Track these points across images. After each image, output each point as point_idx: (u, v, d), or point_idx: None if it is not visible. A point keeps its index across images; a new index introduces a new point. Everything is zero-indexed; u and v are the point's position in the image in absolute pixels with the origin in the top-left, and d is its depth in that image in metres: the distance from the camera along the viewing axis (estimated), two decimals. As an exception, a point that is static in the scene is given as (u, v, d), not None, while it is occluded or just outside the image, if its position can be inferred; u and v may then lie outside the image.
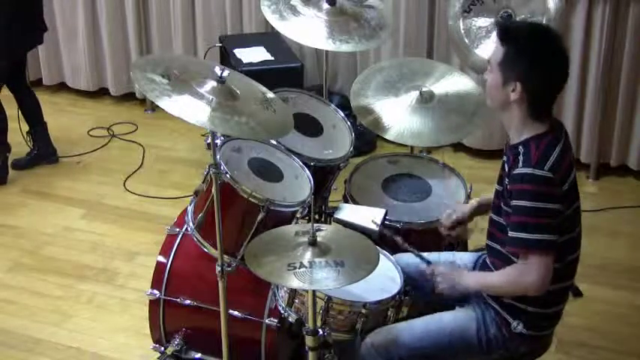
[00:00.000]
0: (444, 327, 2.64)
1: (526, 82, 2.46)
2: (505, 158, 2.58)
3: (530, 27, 2.70)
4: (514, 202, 2.45)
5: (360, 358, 2.65)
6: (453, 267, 2.71)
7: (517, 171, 2.45)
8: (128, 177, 4.85)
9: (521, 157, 2.46)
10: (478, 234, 3.00)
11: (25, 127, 4.87)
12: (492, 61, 2.53)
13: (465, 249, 3.22)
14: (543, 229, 2.41)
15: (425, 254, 2.87)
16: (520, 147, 2.49)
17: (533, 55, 2.46)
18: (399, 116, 3.42)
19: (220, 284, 2.77)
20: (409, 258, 2.88)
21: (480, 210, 2.90)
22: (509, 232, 2.46)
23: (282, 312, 2.73)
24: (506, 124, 2.57)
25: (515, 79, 2.46)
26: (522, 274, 2.45)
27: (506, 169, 2.53)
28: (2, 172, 4.75)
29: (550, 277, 2.43)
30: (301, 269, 2.35)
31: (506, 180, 2.51)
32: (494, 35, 2.57)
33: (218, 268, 2.75)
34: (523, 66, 2.46)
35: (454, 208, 2.95)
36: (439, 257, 2.89)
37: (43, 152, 4.94)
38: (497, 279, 2.56)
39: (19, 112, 4.80)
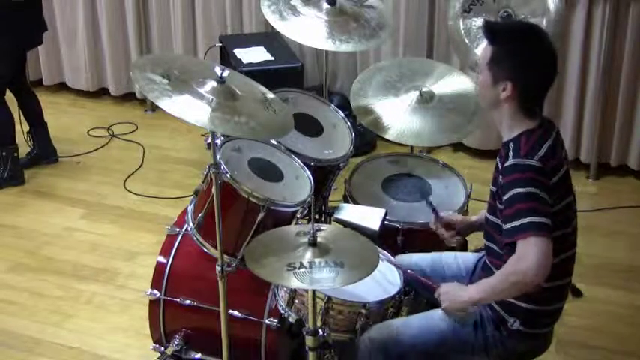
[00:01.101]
0: (441, 324, 2.63)
1: (516, 80, 2.47)
2: (498, 158, 2.59)
3: (517, 26, 2.71)
4: (506, 195, 2.44)
5: (359, 354, 2.65)
6: (456, 285, 2.65)
7: (507, 163, 2.46)
8: (128, 177, 4.85)
9: (511, 153, 2.47)
10: (477, 234, 3.00)
11: (26, 128, 4.87)
12: (481, 62, 2.54)
13: (464, 249, 3.22)
14: (535, 213, 2.38)
15: (427, 254, 2.90)
16: (511, 143, 2.51)
17: (522, 54, 2.48)
18: (399, 116, 3.42)
19: (220, 284, 2.77)
20: (410, 258, 2.88)
21: (477, 225, 2.88)
22: (504, 226, 2.45)
23: (282, 312, 2.73)
24: (497, 122, 2.58)
25: (505, 78, 2.47)
26: (519, 260, 2.39)
27: (499, 167, 2.54)
28: (16, 172, 4.74)
29: (549, 262, 2.37)
30: (301, 269, 2.35)
31: (500, 177, 2.51)
32: None
33: (218, 268, 2.75)
34: (512, 65, 2.48)
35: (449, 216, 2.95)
36: (440, 257, 2.89)
37: (43, 152, 4.93)
38: (497, 278, 2.50)
39: (20, 112, 4.80)
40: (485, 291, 2.51)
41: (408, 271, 2.80)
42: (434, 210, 2.91)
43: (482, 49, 2.58)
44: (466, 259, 2.87)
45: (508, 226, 2.43)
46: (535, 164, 2.41)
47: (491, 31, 2.53)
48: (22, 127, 4.82)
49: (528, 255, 2.36)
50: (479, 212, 2.87)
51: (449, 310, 2.60)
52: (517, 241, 2.40)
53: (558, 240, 2.48)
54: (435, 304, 2.72)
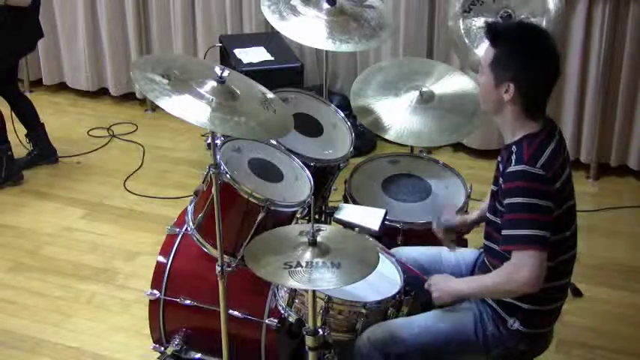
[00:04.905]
0: (441, 324, 2.64)
1: (519, 82, 2.46)
2: (500, 158, 2.59)
3: (519, 27, 2.70)
4: (507, 200, 2.45)
5: (357, 353, 2.64)
6: (446, 276, 2.70)
7: (510, 169, 2.46)
8: (128, 177, 4.85)
9: (514, 156, 2.47)
10: (474, 233, 3.00)
11: (24, 129, 4.87)
12: (483, 63, 2.53)
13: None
14: (535, 225, 2.41)
15: (427, 249, 2.92)
16: (513, 146, 2.50)
17: (525, 55, 2.47)
18: (398, 116, 3.42)
19: (220, 284, 2.77)
20: (409, 253, 2.88)
21: (478, 221, 2.90)
22: (503, 231, 2.47)
23: (282, 312, 2.73)
24: (500, 125, 2.58)
25: (508, 79, 2.47)
26: (515, 271, 2.43)
27: (501, 169, 2.54)
28: (13, 170, 4.73)
29: (544, 274, 2.42)
30: (298, 268, 2.34)
31: (501, 179, 2.51)
32: None
33: (218, 268, 2.75)
34: (515, 66, 2.47)
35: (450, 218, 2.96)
36: (439, 253, 2.89)
37: (43, 152, 4.93)
38: (491, 280, 2.54)
39: (11, 112, 4.78)
40: (476, 288, 2.58)
41: (401, 260, 2.82)
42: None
43: (483, 50, 2.58)
44: (466, 255, 2.87)
45: (506, 232, 2.46)
46: (538, 172, 2.41)
47: (492, 32, 2.52)
48: (21, 128, 4.82)
49: (525, 267, 2.41)
50: (478, 207, 2.91)
51: (438, 300, 2.64)
52: (514, 252, 2.44)
53: (557, 244, 2.50)
54: (429, 305, 2.73)
